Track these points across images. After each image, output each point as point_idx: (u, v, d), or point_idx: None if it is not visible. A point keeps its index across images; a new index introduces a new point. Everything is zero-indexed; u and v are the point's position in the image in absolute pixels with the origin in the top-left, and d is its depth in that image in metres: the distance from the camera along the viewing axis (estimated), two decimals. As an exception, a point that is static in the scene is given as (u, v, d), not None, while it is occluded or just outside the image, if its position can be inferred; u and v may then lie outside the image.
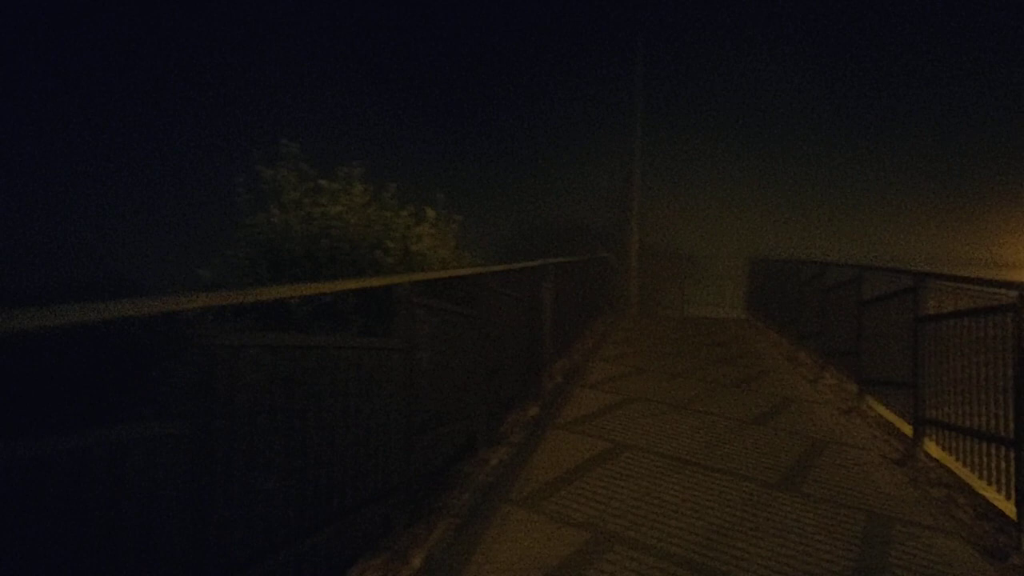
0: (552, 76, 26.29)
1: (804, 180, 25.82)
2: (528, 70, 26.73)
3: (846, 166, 25.25)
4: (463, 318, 5.15)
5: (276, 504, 2.72)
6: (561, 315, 8.98)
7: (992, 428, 4.27)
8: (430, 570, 3.64)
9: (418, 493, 4.29)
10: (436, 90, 26.52)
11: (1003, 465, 4.13)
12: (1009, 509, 4.00)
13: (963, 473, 4.78)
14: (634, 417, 6.72)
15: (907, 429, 5.85)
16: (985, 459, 4.43)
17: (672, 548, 3.84)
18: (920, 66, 25.33)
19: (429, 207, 7.58)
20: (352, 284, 5.10)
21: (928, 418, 5.45)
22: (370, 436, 3.57)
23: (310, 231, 6.34)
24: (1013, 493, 3.94)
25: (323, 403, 3.10)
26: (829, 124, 26.18)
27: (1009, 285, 4.17)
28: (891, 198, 24.75)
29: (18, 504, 1.65)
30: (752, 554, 3.77)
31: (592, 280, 12.65)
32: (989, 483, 4.34)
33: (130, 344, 5.50)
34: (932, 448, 5.38)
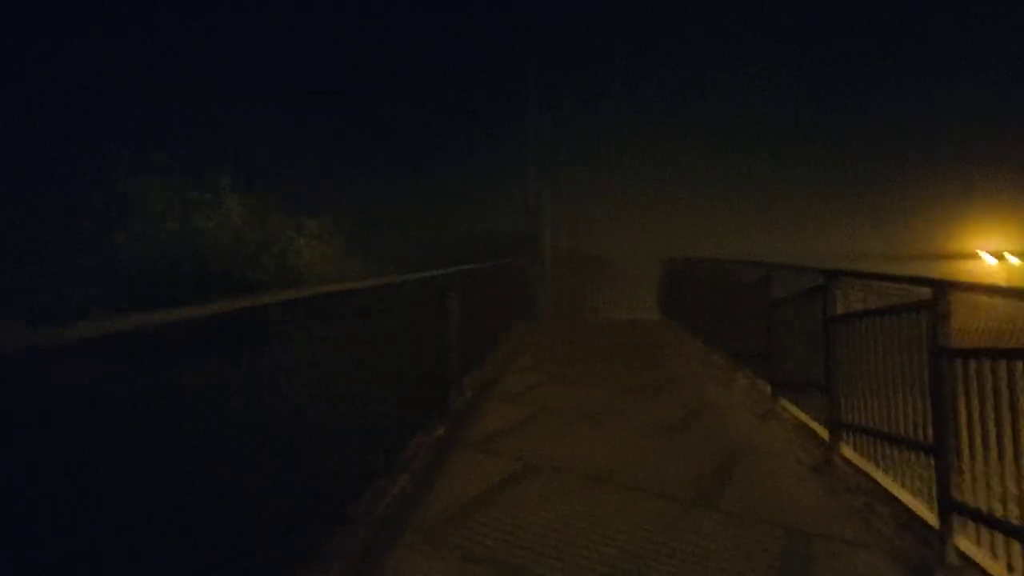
0: (460, 80, 25.94)
1: (719, 180, 26.19)
2: (436, 72, 26.27)
3: (758, 165, 25.73)
4: (349, 337, 4.69)
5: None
6: (472, 325, 8.54)
7: (911, 434, 4.13)
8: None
9: (306, 535, 3.85)
10: (337, 97, 25.75)
11: (923, 472, 3.98)
12: (931, 518, 3.85)
13: (882, 479, 4.64)
14: (546, 432, 6.43)
15: (823, 433, 5.74)
16: (904, 465, 4.27)
17: (579, 583, 3.56)
18: (825, 57, 26.07)
19: (313, 219, 7.07)
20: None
21: (844, 422, 5.33)
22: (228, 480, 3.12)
23: (172, 252, 5.77)
24: (935, 502, 3.78)
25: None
26: (741, 123, 26.68)
27: (922, 281, 4.00)
28: (803, 196, 25.37)
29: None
30: (666, 585, 3.51)
31: (506, 287, 12.21)
32: (909, 490, 4.19)
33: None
34: (849, 453, 5.26)
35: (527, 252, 17.27)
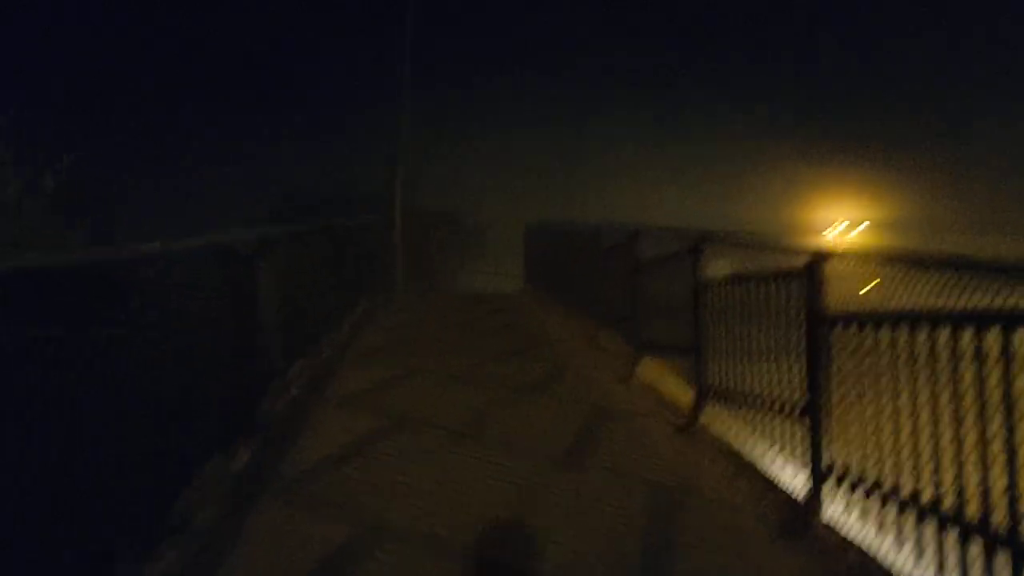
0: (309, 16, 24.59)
1: (588, 141, 26.40)
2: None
3: (629, 128, 26.12)
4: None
5: None
6: (300, 302, 6.99)
7: (781, 396, 4.22)
8: None
9: None
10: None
11: (795, 434, 4.07)
12: (801, 481, 3.94)
13: (751, 443, 4.77)
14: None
15: (688, 397, 5.86)
16: (776, 429, 4.36)
17: None
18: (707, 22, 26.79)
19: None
20: None
21: (712, 385, 5.43)
22: None
23: None
24: (809, 463, 3.85)
25: None
26: (612, 83, 26.98)
27: (801, 250, 4.09)
28: (678, 161, 26.11)
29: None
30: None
31: (350, 254, 10.84)
32: (781, 451, 4.28)
33: None
34: (715, 417, 5.38)
35: (384, 216, 16.58)
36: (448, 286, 20.13)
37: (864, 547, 3.23)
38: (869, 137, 25.25)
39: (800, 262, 4.00)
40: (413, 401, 6.19)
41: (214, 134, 23.51)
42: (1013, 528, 2.42)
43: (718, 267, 5.52)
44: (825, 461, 3.68)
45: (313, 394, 6.32)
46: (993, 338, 2.57)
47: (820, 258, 3.88)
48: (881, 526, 3.17)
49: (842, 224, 25.28)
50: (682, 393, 6.06)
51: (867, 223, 24.84)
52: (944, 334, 2.81)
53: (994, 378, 2.57)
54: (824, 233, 24.39)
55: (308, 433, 5.28)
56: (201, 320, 4.20)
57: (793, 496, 3.93)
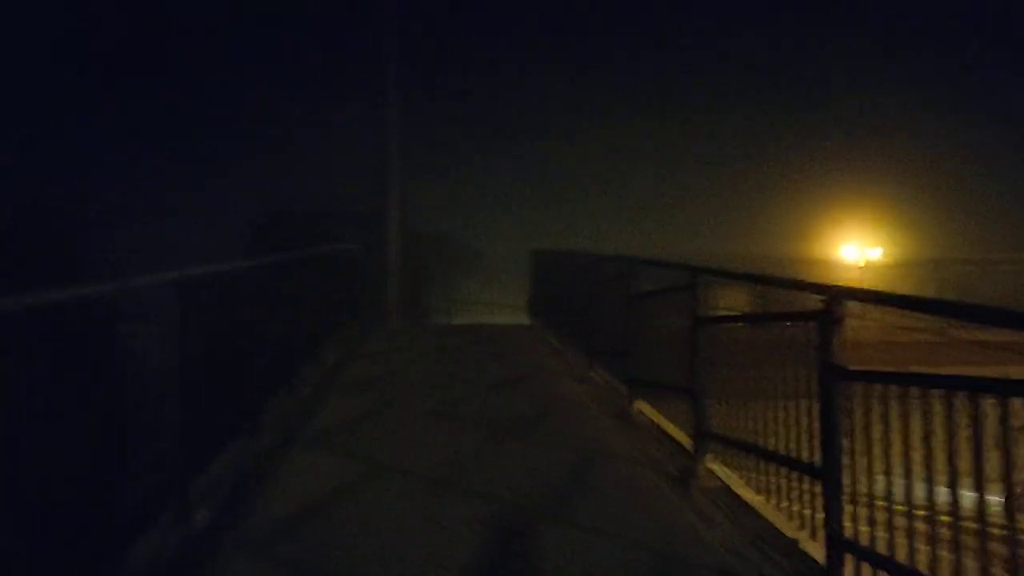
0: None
1: (590, 174, 26.19)
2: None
3: (633, 165, 25.94)
4: None
5: None
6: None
7: (795, 453, 3.86)
8: None
9: None
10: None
11: (806, 496, 3.75)
12: (816, 550, 3.62)
13: (755, 500, 4.47)
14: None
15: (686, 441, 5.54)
16: (781, 486, 4.07)
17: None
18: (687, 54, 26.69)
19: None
20: None
21: (712, 432, 5.09)
22: None
23: None
24: (819, 530, 3.54)
25: None
26: (615, 119, 26.78)
27: (814, 288, 3.71)
28: (673, 196, 25.83)
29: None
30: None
31: (325, 285, 9.75)
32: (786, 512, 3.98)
33: None
34: (716, 467, 5.07)
35: (372, 238, 16.18)
36: (450, 319, 19.64)
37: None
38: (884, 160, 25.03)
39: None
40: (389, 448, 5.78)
41: (192, 148, 23.23)
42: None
43: (724, 302, 5.23)
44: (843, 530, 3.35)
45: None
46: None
47: (838, 299, 3.48)
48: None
49: (854, 250, 24.88)
50: (681, 436, 5.76)
51: (880, 250, 24.52)
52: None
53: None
54: (845, 262, 24.06)
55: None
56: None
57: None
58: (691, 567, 3.78)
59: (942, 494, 2.77)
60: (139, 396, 3.77)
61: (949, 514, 2.69)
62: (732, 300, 5.09)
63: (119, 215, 21.31)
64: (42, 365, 2.89)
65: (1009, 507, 2.46)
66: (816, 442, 3.57)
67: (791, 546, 3.86)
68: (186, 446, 4.19)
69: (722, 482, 4.90)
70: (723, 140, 26.22)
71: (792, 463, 3.88)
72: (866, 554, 3.15)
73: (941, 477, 2.78)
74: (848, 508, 3.31)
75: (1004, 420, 2.50)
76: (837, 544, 3.34)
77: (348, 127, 20.81)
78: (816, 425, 3.57)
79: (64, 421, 3.02)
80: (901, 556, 2.94)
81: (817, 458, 3.56)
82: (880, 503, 3.15)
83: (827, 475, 3.44)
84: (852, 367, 3.37)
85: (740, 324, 4.62)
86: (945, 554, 2.72)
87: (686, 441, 5.53)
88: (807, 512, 3.79)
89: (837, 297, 3.49)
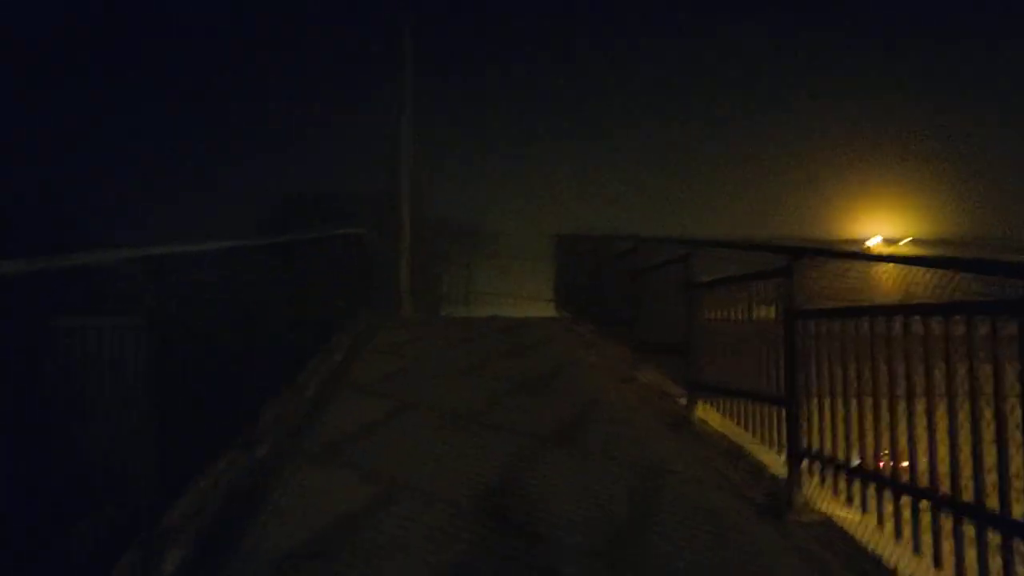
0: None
1: (619, 150, 25.14)
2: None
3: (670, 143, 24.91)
4: None
5: None
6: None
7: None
8: None
9: None
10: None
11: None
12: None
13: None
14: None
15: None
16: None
17: None
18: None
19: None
20: None
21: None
22: None
23: None
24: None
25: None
26: (647, 94, 25.73)
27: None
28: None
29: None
30: None
31: (331, 271, 8.88)
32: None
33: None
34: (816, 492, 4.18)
35: (385, 222, 15.31)
36: (466, 308, 18.65)
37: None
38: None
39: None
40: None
41: (204, 133, 22.46)
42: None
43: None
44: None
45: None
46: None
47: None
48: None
49: (876, 238, 23.82)
50: (761, 451, 4.89)
51: (910, 239, 23.44)
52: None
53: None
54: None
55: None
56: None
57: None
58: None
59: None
60: (92, 404, 2.92)
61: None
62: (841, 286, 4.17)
63: (128, 201, 20.67)
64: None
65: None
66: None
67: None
68: (159, 466, 3.32)
69: (825, 514, 3.99)
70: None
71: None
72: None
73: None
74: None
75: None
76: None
77: (362, 109, 19.95)
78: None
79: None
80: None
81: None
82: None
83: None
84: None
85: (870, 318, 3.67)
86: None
87: (772, 460, 4.64)
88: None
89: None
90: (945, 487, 3.02)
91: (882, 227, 23.85)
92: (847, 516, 3.85)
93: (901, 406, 3.37)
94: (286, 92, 22.59)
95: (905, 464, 3.33)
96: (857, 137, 24.57)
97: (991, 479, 2.74)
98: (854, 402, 3.77)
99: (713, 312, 5.98)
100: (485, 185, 22.27)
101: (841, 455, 3.84)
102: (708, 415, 5.94)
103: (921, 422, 3.23)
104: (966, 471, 2.88)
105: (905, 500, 3.29)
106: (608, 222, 17.98)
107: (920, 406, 3.24)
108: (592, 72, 24.95)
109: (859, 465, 3.69)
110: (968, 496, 2.87)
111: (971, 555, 2.84)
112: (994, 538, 2.74)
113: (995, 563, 2.73)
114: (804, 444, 4.19)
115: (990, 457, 2.76)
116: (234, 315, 4.87)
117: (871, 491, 3.56)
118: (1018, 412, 2.66)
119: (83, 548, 2.79)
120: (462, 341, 10.17)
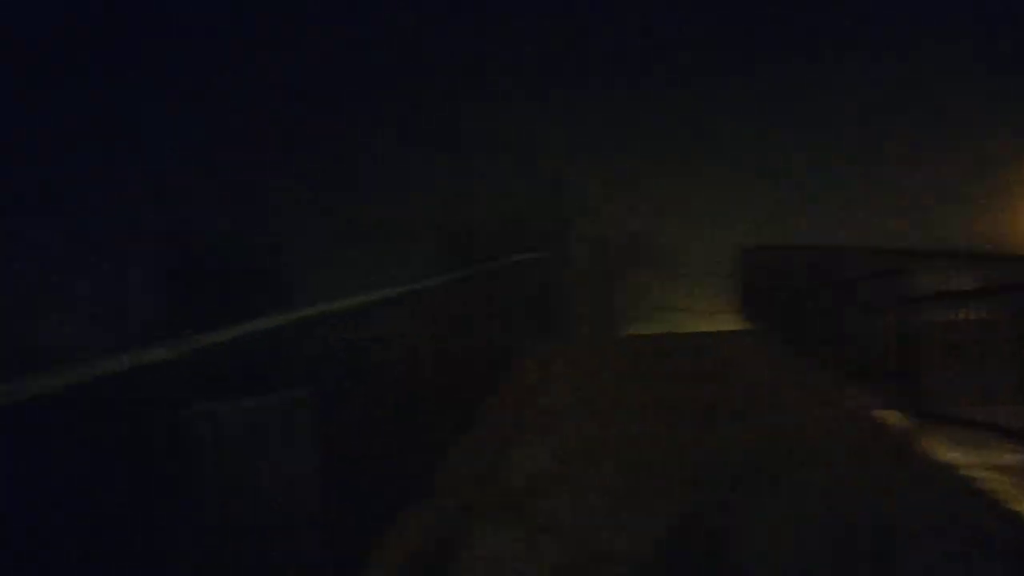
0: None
1: (803, 152, 23.09)
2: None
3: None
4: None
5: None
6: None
7: None
8: None
9: None
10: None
11: None
12: None
13: None
14: None
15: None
16: None
17: None
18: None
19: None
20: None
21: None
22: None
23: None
24: None
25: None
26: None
27: None
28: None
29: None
30: None
31: (507, 301, 8.55)
32: None
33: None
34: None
35: (555, 242, 14.92)
36: (644, 328, 17.78)
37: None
38: None
39: None
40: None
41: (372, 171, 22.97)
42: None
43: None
44: None
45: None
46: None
47: None
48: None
49: None
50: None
51: None
52: None
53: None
54: None
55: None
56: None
57: None
58: None
59: None
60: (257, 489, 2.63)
61: None
62: None
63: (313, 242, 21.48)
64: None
65: None
66: None
67: None
68: (328, 543, 3.00)
69: None
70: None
71: None
72: None
73: None
74: None
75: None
76: None
77: (526, 134, 19.68)
78: None
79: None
80: None
81: None
82: None
83: None
84: None
85: None
86: None
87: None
88: None
89: None
90: None
91: None
92: None
93: None
94: (448, 123, 22.64)
95: None
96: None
97: None
98: None
99: (946, 332, 5.16)
100: (662, 206, 21.08)
101: None
102: (939, 449, 5.09)
103: None
104: None
105: None
106: (794, 233, 16.66)
107: None
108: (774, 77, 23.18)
109: None
110: None
111: None
112: None
113: None
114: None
115: None
116: (407, 359, 4.58)
117: None
118: None
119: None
120: (642, 364, 9.53)
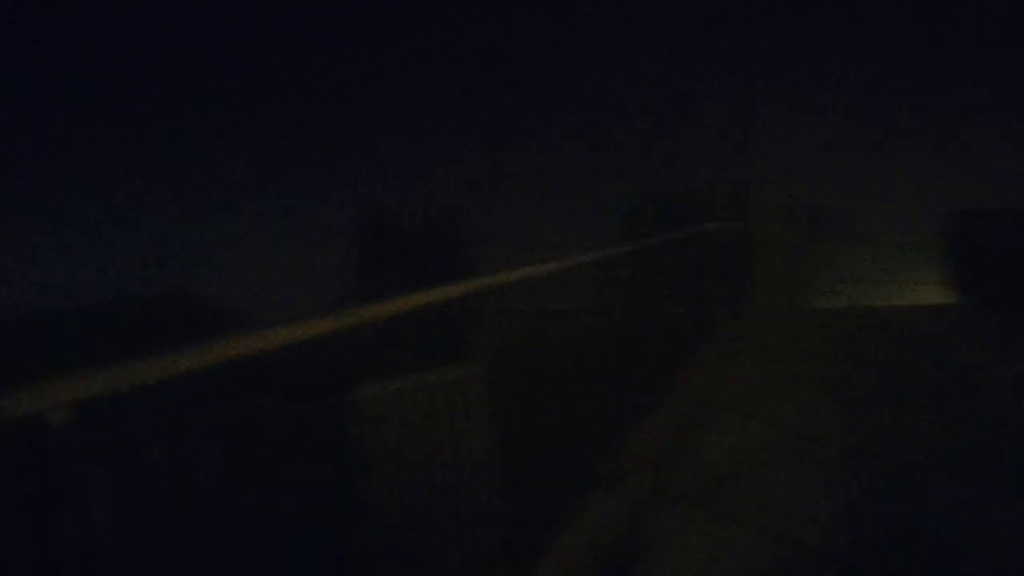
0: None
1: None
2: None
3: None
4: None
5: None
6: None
7: None
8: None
9: None
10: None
11: None
12: None
13: None
14: None
15: None
16: None
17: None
18: None
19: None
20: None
21: None
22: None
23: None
24: None
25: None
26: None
27: None
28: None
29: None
30: None
31: (693, 271, 8.16)
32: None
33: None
34: None
35: (736, 212, 14.18)
36: (828, 301, 16.72)
37: None
38: None
39: None
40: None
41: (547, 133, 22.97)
42: None
43: None
44: None
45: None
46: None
47: None
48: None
49: None
50: None
51: None
52: None
53: None
54: None
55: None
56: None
57: None
58: None
59: None
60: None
61: None
62: None
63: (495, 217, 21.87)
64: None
65: None
66: None
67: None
68: (503, 527, 2.83)
69: None
70: None
71: None
72: None
73: None
74: None
75: None
76: None
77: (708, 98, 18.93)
78: None
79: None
80: None
81: None
82: None
83: None
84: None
85: None
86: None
87: None
88: None
89: None
90: None
91: None
92: None
93: None
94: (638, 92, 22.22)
95: None
96: None
97: None
98: None
99: None
100: (848, 170, 19.80)
101: None
102: None
103: None
104: None
105: None
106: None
107: None
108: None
109: None
110: None
111: None
112: None
113: None
114: None
115: None
116: (588, 333, 4.34)
117: None
118: None
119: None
120: (835, 340, 8.84)
